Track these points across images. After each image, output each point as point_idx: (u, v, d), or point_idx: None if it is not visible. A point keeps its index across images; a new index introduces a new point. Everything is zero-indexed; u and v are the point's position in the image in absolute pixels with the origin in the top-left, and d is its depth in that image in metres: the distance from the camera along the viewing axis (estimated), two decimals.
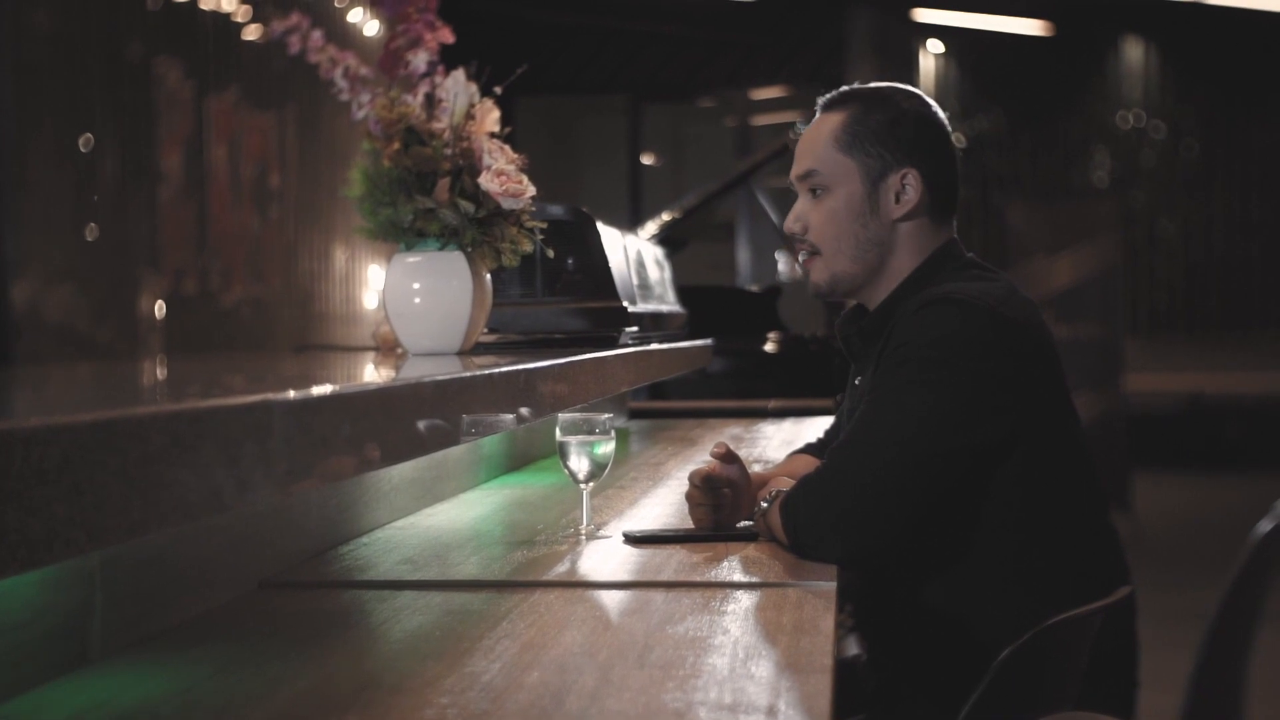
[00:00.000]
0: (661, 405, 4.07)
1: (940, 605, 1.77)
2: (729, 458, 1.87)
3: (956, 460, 1.71)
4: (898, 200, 1.88)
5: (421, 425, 1.34)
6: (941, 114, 1.95)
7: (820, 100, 1.96)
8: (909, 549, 1.76)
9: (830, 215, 1.90)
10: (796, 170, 1.94)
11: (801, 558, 1.72)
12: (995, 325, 1.73)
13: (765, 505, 1.82)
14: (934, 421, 1.70)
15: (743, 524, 1.88)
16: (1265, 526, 1.55)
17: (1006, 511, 1.75)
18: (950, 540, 1.75)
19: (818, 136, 1.92)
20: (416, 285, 1.95)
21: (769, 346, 4.71)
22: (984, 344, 1.72)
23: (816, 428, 3.38)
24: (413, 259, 1.96)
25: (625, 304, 2.72)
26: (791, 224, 1.93)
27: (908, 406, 1.71)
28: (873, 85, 1.97)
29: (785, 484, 1.84)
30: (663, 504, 2.19)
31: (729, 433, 3.35)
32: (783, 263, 5.76)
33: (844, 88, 1.96)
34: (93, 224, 4.16)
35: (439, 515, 2.14)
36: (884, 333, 1.83)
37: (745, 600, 1.50)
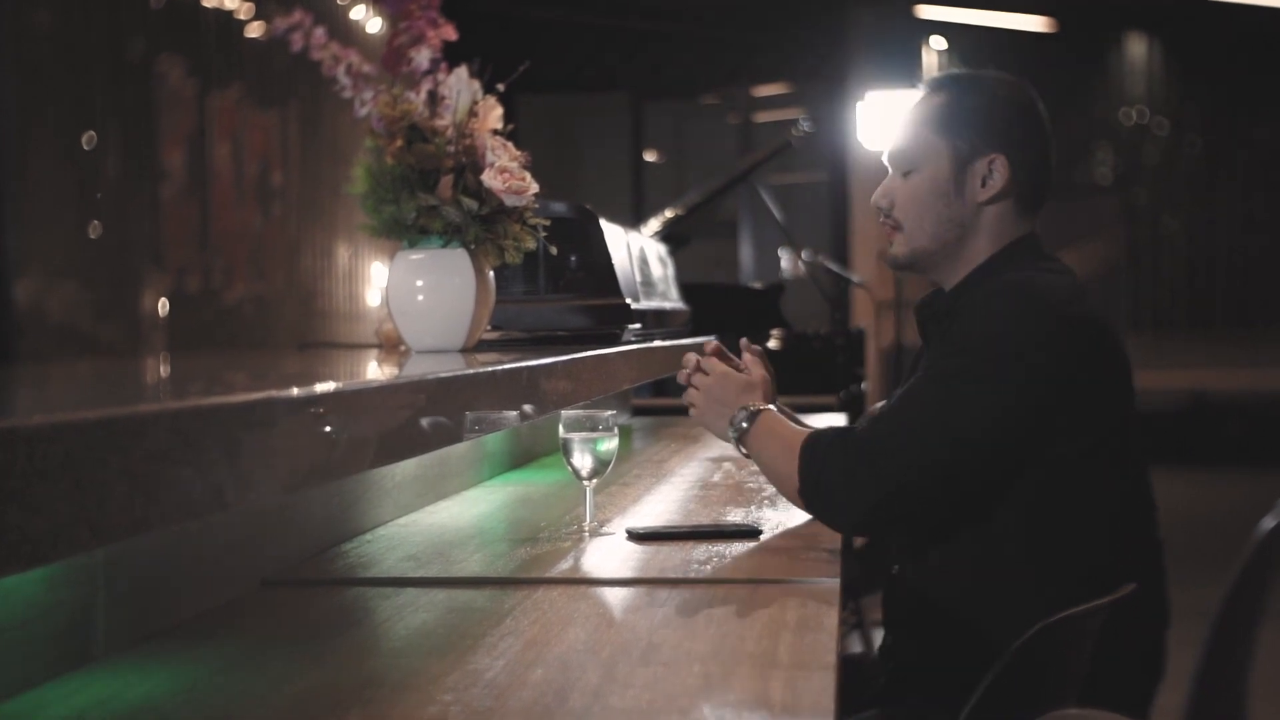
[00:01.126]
0: (664, 402, 4.07)
1: (961, 598, 1.77)
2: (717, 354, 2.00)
3: (1006, 457, 1.72)
4: (983, 184, 1.89)
5: (425, 422, 1.33)
6: (1040, 106, 1.96)
7: (923, 82, 1.98)
8: (946, 545, 1.76)
9: (915, 193, 1.91)
10: (889, 148, 1.96)
11: (807, 509, 1.74)
12: (1063, 321, 1.74)
13: (745, 425, 1.87)
14: (989, 420, 1.71)
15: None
16: (1269, 523, 1.55)
17: (1041, 509, 1.74)
18: (975, 534, 1.75)
19: (915, 116, 1.94)
20: (419, 282, 1.95)
21: (772, 344, 4.70)
22: (1049, 340, 1.73)
23: (819, 425, 3.37)
24: (416, 256, 1.96)
25: (628, 301, 2.72)
26: (879, 198, 1.95)
27: (963, 395, 1.72)
28: (976, 71, 1.98)
29: (757, 399, 1.91)
30: (666, 501, 2.18)
31: None
32: (786, 260, 5.76)
33: (951, 71, 1.99)
34: (95, 222, 4.16)
35: (442, 512, 2.14)
36: (954, 316, 1.85)
37: (749, 596, 1.50)
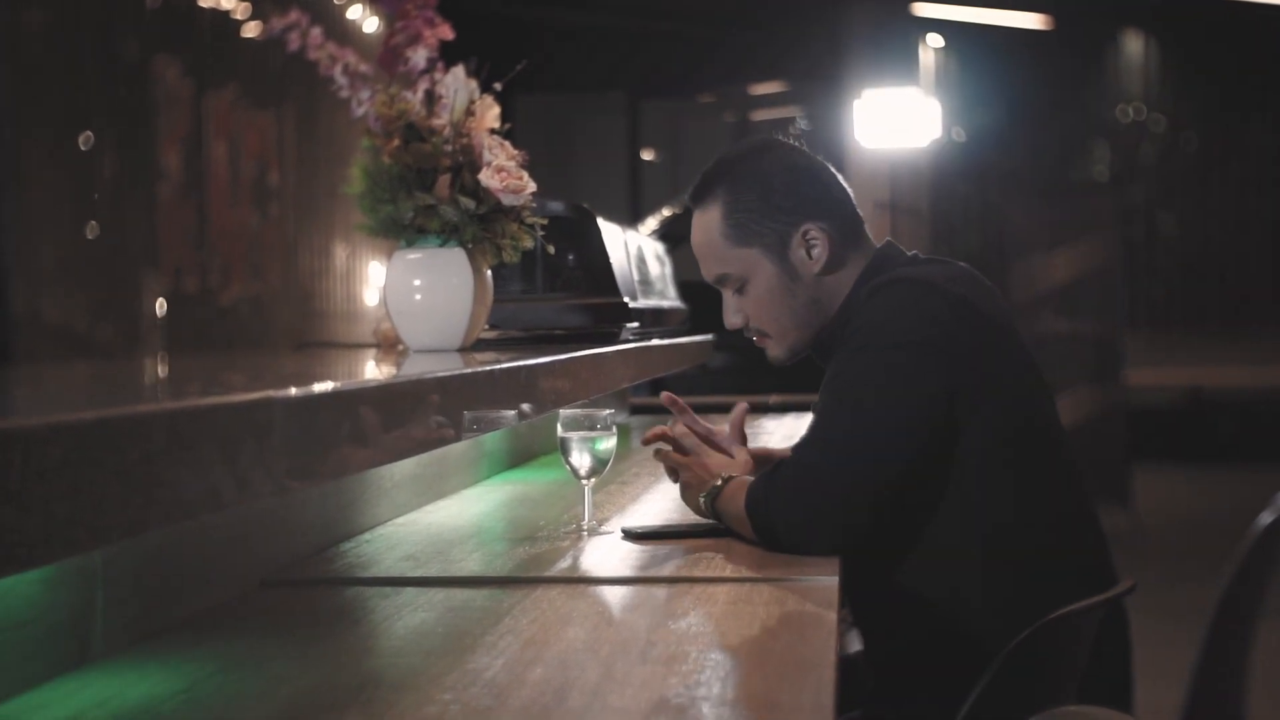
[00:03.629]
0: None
1: (930, 600, 1.77)
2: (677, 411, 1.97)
3: (923, 435, 1.71)
4: (811, 256, 1.89)
5: (423, 422, 1.33)
6: (800, 148, 1.94)
7: (687, 199, 1.95)
8: (895, 543, 1.76)
9: (759, 304, 1.91)
10: (707, 276, 1.95)
11: (770, 550, 1.73)
12: (945, 299, 1.74)
13: (715, 495, 1.83)
14: (896, 403, 1.71)
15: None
16: (1266, 519, 1.55)
17: (985, 499, 1.74)
18: (934, 535, 1.75)
19: (708, 239, 1.92)
20: (417, 282, 1.95)
21: None
22: (936, 318, 1.73)
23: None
24: (413, 256, 1.96)
25: (626, 300, 2.71)
26: (732, 319, 1.95)
27: (871, 393, 1.73)
28: (730, 157, 1.95)
29: (735, 467, 1.87)
30: (664, 499, 2.18)
31: None
32: None
33: (703, 174, 1.94)
34: (92, 222, 4.16)
35: (441, 512, 2.14)
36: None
37: (748, 595, 1.50)
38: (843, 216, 1.92)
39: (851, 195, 1.96)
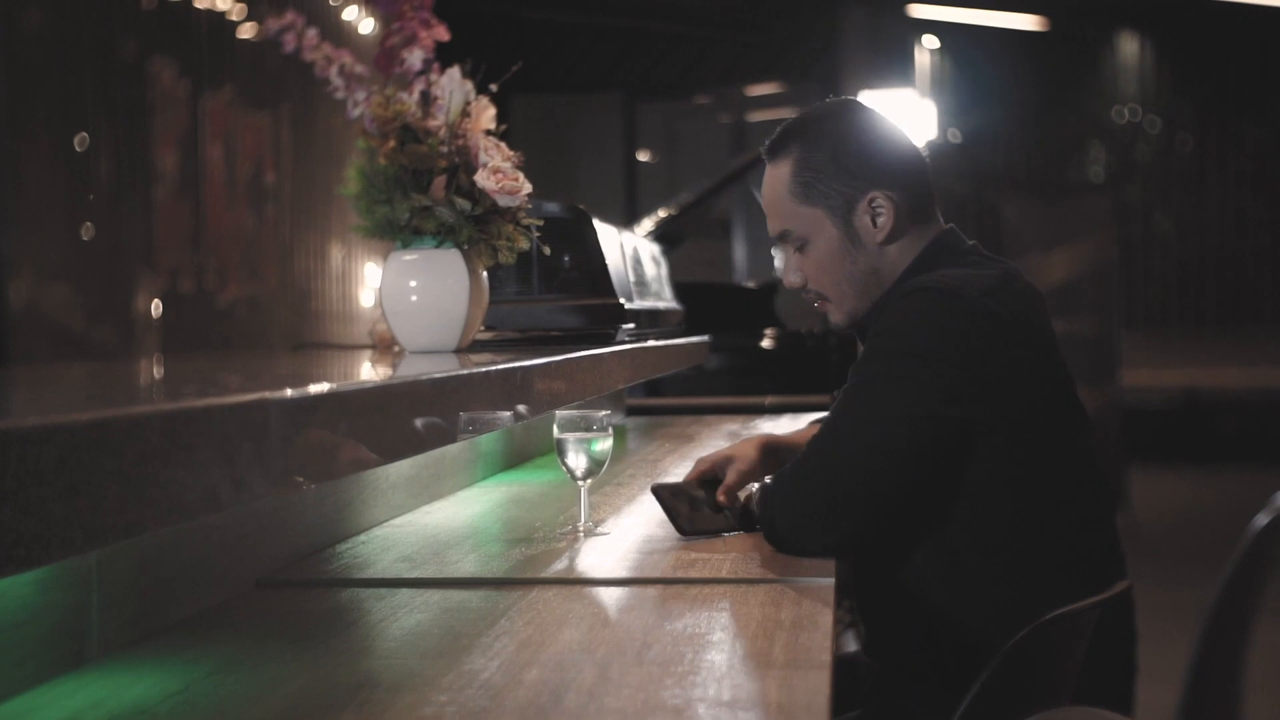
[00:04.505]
0: (659, 402, 4.07)
1: (935, 600, 1.77)
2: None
3: (927, 451, 1.71)
4: (875, 224, 1.87)
5: (419, 423, 1.33)
6: (880, 114, 1.92)
7: (763, 151, 1.94)
8: (900, 543, 1.76)
9: (818, 265, 1.90)
10: (771, 231, 1.95)
11: (774, 547, 1.74)
12: (973, 314, 1.72)
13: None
14: (901, 415, 1.71)
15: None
16: (1262, 519, 1.55)
17: (998, 504, 1.74)
18: (943, 534, 1.75)
19: (775, 194, 1.91)
20: (413, 283, 1.95)
21: (766, 343, 4.71)
22: (959, 333, 1.72)
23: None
24: (409, 257, 1.96)
25: (622, 301, 2.71)
26: (792, 278, 1.94)
27: (877, 400, 1.72)
28: (808, 115, 1.94)
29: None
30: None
31: (726, 429, 3.35)
32: (779, 259, 5.77)
33: (780, 128, 1.94)
34: (88, 223, 4.16)
35: (436, 513, 2.14)
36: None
37: (744, 596, 1.50)
38: (913, 188, 1.89)
39: (928, 168, 1.93)
